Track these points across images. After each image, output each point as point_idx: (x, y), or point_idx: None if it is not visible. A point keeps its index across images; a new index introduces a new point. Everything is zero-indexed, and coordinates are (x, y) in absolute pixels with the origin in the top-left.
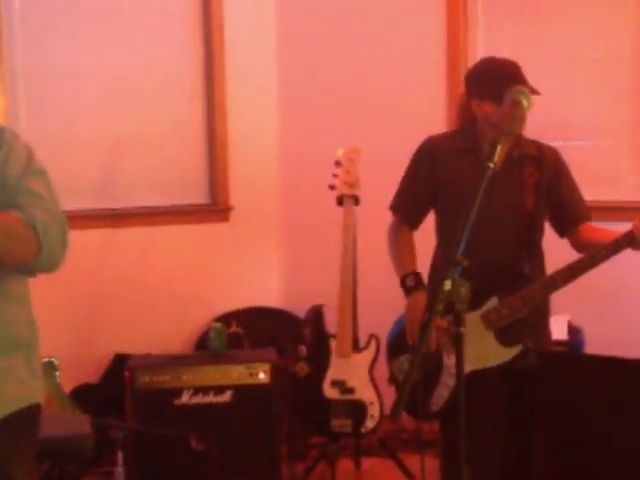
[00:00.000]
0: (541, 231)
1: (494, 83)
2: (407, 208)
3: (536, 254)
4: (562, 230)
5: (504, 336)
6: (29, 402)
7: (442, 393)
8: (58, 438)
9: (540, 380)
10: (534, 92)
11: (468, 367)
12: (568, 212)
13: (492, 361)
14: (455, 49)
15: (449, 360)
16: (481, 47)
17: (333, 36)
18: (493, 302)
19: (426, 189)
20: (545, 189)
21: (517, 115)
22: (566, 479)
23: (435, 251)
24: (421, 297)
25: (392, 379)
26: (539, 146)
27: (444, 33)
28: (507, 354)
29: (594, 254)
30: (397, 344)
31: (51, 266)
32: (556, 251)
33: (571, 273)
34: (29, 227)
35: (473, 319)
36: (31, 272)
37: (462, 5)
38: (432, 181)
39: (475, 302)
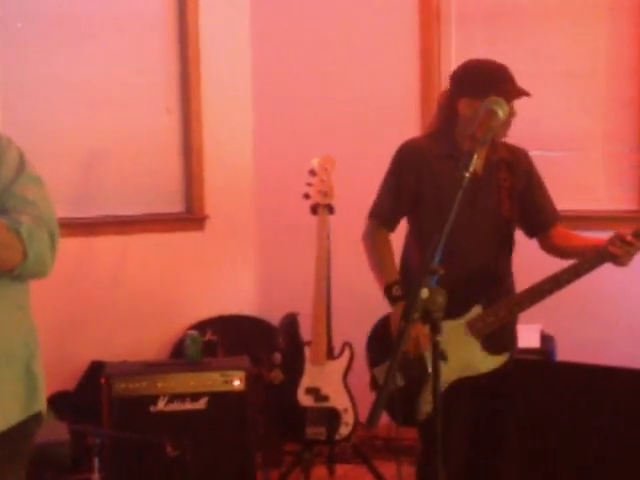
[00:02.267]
0: (514, 234)
1: (489, 82)
2: (389, 210)
3: (509, 258)
4: (532, 231)
5: (490, 344)
6: (26, 415)
7: (428, 399)
8: (34, 445)
9: (514, 386)
10: (524, 94)
11: (456, 375)
12: (540, 214)
13: (480, 369)
14: (429, 61)
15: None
16: (454, 59)
17: (307, 47)
18: (477, 310)
19: (409, 192)
20: (518, 193)
21: (492, 125)
22: None
23: (411, 254)
24: None
25: (374, 385)
26: (512, 149)
27: (418, 45)
28: (494, 362)
29: (579, 266)
30: (379, 350)
31: (40, 271)
32: (537, 253)
33: (556, 283)
34: (12, 232)
35: (458, 327)
36: (19, 277)
37: (435, 17)
38: (415, 184)
39: (459, 309)
